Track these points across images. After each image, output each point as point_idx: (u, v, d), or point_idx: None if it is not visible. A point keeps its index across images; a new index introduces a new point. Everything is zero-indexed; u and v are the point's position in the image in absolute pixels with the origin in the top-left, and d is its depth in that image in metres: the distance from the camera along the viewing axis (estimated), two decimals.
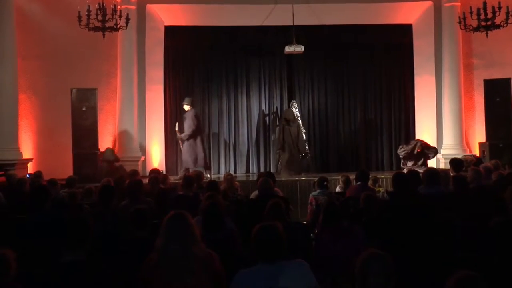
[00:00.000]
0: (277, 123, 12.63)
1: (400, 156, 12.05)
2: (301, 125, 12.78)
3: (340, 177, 8.81)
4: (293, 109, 12.70)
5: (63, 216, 4.49)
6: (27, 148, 12.15)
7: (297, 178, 11.29)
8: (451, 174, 7.15)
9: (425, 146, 11.92)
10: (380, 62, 14.09)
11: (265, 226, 3.39)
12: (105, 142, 12.41)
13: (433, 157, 12.11)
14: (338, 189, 8.52)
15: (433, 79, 13.30)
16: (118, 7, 10.11)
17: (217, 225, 4.44)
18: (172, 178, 10.39)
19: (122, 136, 12.56)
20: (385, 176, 10.72)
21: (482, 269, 2.98)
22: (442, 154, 12.74)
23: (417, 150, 11.68)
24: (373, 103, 14.12)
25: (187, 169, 11.49)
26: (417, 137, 13.22)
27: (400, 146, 12.30)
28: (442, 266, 3.76)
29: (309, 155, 12.83)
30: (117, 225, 5.12)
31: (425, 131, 13.31)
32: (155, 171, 9.29)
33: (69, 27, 11.13)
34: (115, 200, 5.97)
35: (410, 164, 11.73)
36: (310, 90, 14.17)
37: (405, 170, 10.64)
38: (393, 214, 4.92)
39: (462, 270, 2.73)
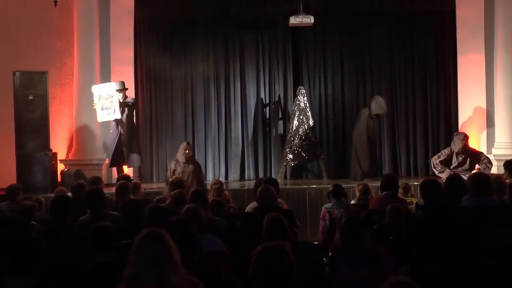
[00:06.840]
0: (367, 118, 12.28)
1: (436, 170, 11.70)
2: (311, 118, 12.74)
3: (356, 185, 8.84)
4: (300, 97, 12.69)
5: (5, 236, 4.50)
6: None
7: (305, 186, 11.33)
8: (507, 181, 7.15)
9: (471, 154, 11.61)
10: (412, 36, 14.05)
11: (269, 248, 3.40)
12: (59, 140, 12.41)
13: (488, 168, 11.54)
14: (353, 201, 8.57)
15: (482, 57, 13.32)
16: None
17: (189, 246, 4.43)
18: (146, 187, 10.40)
19: (81, 133, 12.54)
20: (419, 183, 10.69)
21: None
22: (494, 155, 12.73)
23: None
24: (403, 89, 14.07)
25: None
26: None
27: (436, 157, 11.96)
28: None
29: (322, 157, 12.82)
30: (73, 247, 5.13)
31: (471, 125, 13.29)
32: (124, 178, 9.30)
33: None
34: (72, 215, 5.97)
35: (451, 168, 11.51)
36: (322, 73, 14.14)
37: (443, 175, 10.65)
38: (428, 233, 4.94)
39: None
